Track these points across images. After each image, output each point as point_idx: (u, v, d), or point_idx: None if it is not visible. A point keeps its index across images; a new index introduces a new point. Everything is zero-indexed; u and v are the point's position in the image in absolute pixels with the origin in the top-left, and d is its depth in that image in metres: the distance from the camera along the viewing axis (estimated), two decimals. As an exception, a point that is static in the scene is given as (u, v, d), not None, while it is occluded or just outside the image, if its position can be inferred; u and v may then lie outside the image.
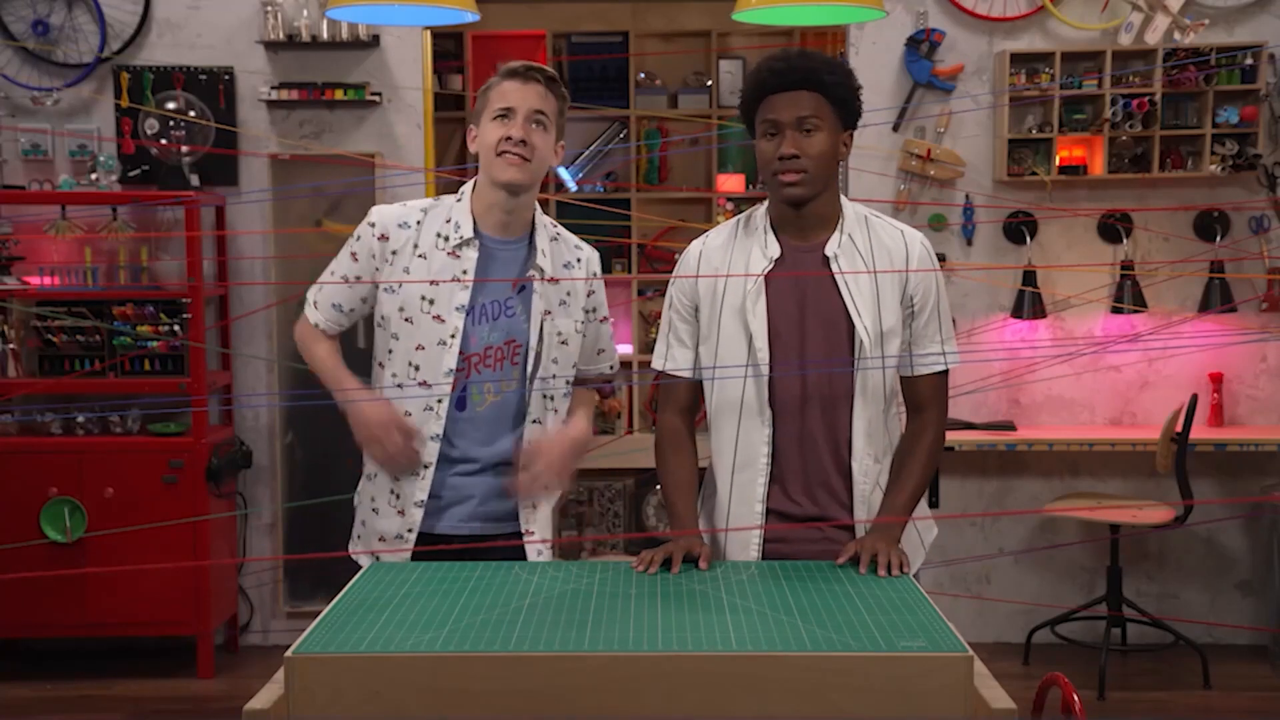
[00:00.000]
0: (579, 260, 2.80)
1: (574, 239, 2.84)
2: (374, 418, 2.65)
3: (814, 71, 2.48)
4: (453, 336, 2.66)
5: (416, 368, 2.68)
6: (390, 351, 2.71)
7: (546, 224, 2.78)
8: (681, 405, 2.66)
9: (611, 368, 2.94)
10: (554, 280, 2.73)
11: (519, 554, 2.74)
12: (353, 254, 2.73)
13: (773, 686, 1.86)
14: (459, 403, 2.69)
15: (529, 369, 2.71)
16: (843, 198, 2.62)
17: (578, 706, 1.86)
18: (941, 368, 2.61)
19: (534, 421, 2.74)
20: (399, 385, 2.68)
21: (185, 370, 4.81)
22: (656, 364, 2.70)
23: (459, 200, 2.72)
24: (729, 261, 2.59)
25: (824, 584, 2.26)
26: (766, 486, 2.57)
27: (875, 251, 2.56)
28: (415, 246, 2.68)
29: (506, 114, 2.63)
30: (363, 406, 2.67)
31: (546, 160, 2.68)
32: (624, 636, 1.96)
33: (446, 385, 2.66)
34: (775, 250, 2.56)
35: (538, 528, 2.77)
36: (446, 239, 2.68)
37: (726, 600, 2.16)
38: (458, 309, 2.66)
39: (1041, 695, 2.11)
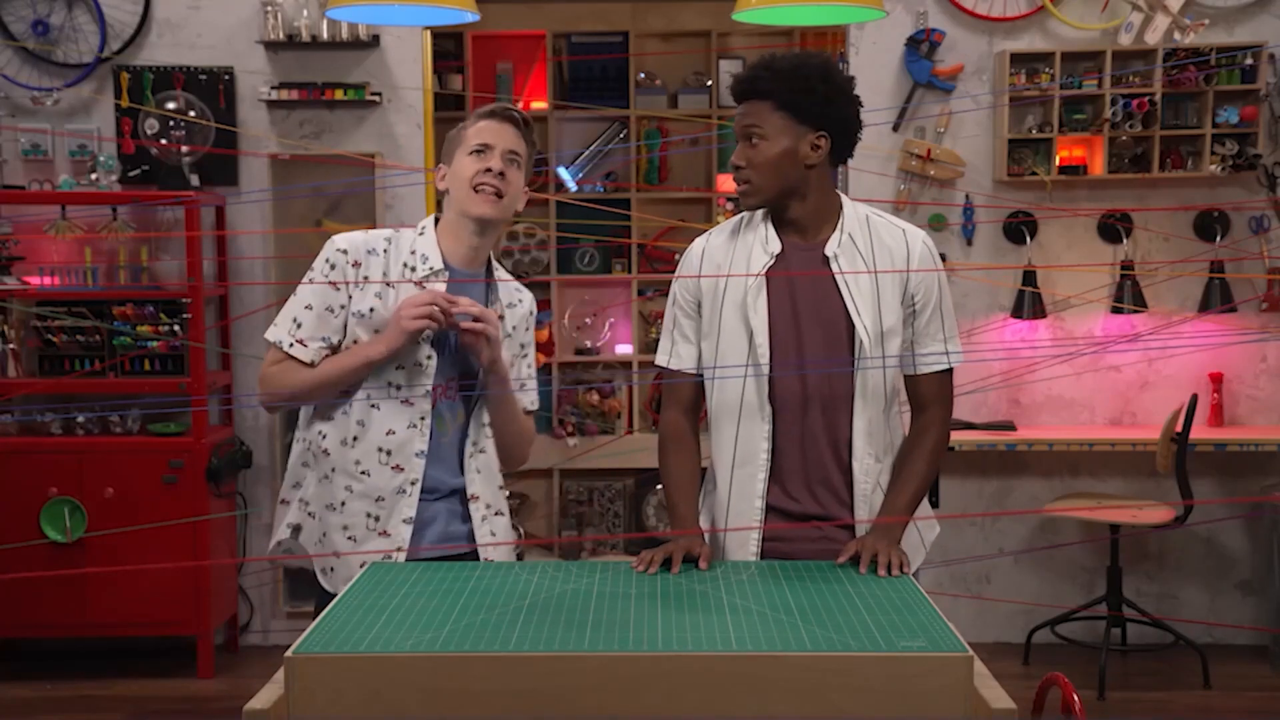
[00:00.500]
0: (520, 300, 2.86)
1: (514, 281, 2.90)
2: (389, 322, 2.64)
3: (753, 80, 2.51)
4: (429, 358, 2.68)
5: (398, 387, 2.69)
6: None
7: (494, 265, 2.85)
8: (685, 403, 2.67)
9: (527, 408, 2.93)
10: (499, 325, 2.75)
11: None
12: (333, 284, 2.73)
13: (773, 686, 1.86)
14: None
15: (475, 400, 2.76)
16: (844, 197, 2.62)
17: (578, 706, 1.86)
18: (945, 366, 2.61)
19: (480, 452, 2.77)
20: (374, 407, 2.69)
21: (185, 370, 4.81)
22: (660, 360, 2.70)
23: (421, 234, 2.74)
24: (731, 258, 2.59)
25: (824, 584, 2.26)
26: (766, 482, 2.57)
27: (876, 251, 2.56)
28: (384, 274, 2.70)
29: (484, 150, 2.68)
30: (383, 339, 2.64)
31: (516, 200, 2.74)
32: (624, 636, 1.96)
33: (426, 402, 2.68)
34: (776, 246, 2.56)
35: (495, 546, 2.78)
36: (414, 269, 2.70)
37: (726, 600, 2.16)
38: (424, 338, 2.67)
39: (1041, 695, 2.11)
